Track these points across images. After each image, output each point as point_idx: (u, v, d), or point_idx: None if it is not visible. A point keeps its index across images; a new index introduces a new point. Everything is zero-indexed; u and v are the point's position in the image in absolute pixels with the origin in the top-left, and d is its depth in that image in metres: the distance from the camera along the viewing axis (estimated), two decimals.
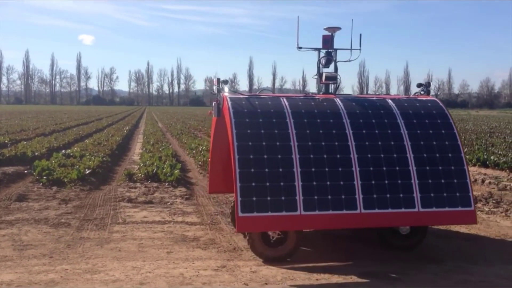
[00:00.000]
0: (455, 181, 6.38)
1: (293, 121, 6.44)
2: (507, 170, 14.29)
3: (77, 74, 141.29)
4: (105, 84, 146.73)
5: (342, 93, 7.89)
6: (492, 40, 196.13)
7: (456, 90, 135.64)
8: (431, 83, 7.66)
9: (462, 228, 8.07)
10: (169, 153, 16.43)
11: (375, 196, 6.13)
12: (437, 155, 6.47)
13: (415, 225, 6.47)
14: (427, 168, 6.37)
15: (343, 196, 6.06)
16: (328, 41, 7.36)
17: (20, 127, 29.69)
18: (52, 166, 12.74)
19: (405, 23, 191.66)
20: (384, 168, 6.28)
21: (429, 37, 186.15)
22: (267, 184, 5.96)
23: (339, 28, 7.36)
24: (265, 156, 6.10)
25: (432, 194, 6.27)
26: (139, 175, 12.43)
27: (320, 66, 7.40)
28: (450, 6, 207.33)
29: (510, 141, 22.81)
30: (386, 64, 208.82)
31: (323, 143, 6.32)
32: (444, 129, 6.71)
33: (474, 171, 14.37)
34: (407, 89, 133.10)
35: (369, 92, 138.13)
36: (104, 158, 15.02)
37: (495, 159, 15.31)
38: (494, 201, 10.14)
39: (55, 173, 11.79)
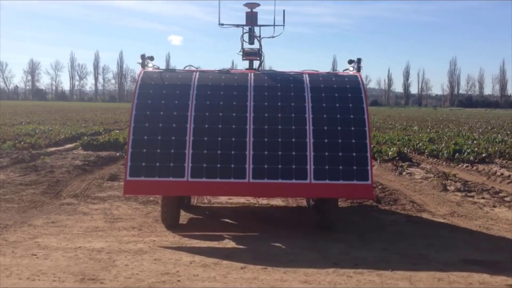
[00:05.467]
0: (354, 154, 6.18)
1: (196, 93, 6.58)
2: None
3: None
4: None
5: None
6: None
7: None
8: (361, 60, 7.26)
9: None
10: None
11: (266, 166, 6.10)
12: (339, 128, 6.33)
13: (307, 197, 6.28)
14: (326, 140, 6.26)
15: (232, 165, 6.10)
16: (250, 18, 7.38)
17: (114, 119, 31.39)
18: None
19: (499, 20, 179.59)
20: (279, 139, 6.24)
21: None
22: (158, 151, 6.18)
23: (258, 5, 7.41)
24: (160, 125, 6.33)
25: (326, 167, 6.10)
26: None
27: (244, 42, 7.49)
28: None
29: None
30: (479, 62, 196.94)
31: (220, 114, 6.39)
32: (352, 103, 6.54)
33: None
34: (503, 88, 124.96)
35: (460, 91, 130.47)
36: None
37: None
38: None
39: None
